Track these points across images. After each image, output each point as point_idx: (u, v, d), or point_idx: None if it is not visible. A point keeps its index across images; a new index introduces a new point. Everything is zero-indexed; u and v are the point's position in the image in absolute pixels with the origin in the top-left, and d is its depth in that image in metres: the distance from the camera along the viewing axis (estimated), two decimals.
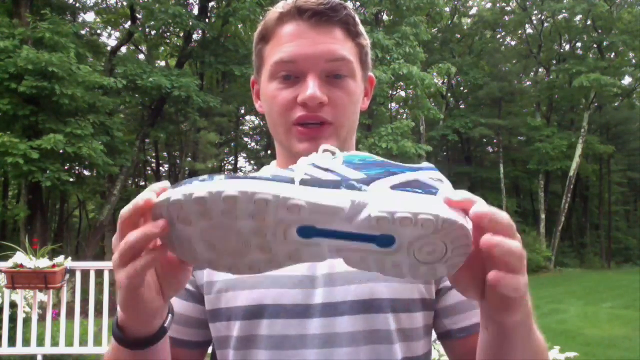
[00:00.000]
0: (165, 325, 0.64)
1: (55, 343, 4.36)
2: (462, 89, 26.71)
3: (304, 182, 0.52)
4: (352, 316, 0.77)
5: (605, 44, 22.30)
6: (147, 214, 0.53)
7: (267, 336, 0.77)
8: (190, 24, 13.38)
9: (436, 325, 0.86)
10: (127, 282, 0.54)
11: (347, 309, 0.78)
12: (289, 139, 0.80)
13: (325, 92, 0.76)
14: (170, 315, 0.66)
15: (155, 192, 0.52)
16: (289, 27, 0.78)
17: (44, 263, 4.05)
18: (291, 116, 0.78)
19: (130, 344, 0.62)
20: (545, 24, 23.66)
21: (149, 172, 24.88)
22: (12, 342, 4.28)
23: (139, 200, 0.52)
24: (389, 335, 0.78)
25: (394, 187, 0.53)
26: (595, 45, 23.02)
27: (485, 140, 25.79)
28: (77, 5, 16.04)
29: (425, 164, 0.58)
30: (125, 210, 0.53)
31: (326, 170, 0.55)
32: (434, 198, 0.52)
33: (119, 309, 0.60)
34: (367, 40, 0.84)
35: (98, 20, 18.69)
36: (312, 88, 0.75)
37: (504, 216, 0.52)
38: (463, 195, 0.51)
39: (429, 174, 0.56)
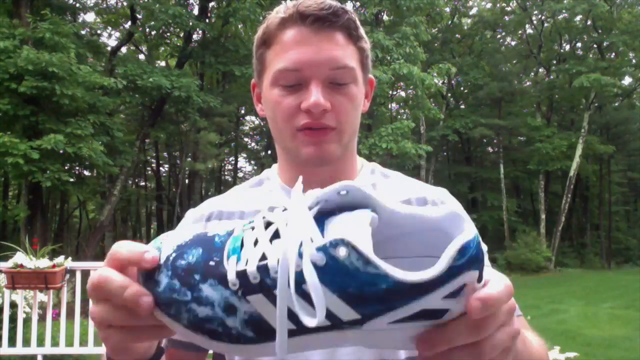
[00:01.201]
0: (162, 345, 0.62)
1: (55, 343, 4.36)
2: (462, 89, 26.71)
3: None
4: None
5: (605, 44, 22.31)
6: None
7: None
8: (190, 24, 13.38)
9: None
10: (115, 346, 0.52)
11: None
12: (294, 145, 0.80)
13: (328, 99, 0.77)
14: None
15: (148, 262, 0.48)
16: (291, 32, 0.78)
17: (44, 263, 4.05)
18: (295, 122, 0.78)
19: None
20: (545, 24, 23.67)
21: (149, 172, 24.89)
22: (12, 342, 4.28)
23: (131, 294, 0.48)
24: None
25: (392, 323, 0.43)
26: (595, 45, 23.03)
27: (485, 140, 25.80)
28: (77, 5, 16.04)
29: (451, 254, 0.41)
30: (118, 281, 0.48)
31: (305, 297, 0.42)
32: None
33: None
34: (367, 43, 0.84)
35: (98, 20, 18.72)
36: (315, 95, 0.75)
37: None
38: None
39: (447, 289, 0.41)
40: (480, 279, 0.43)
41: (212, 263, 0.46)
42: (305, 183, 0.83)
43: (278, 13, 0.79)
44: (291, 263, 0.42)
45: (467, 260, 0.41)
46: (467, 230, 0.43)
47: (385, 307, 0.42)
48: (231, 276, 0.45)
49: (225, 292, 0.45)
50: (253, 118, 22.91)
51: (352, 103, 0.80)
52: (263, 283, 0.44)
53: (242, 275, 0.44)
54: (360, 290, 0.41)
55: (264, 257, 0.44)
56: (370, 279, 0.41)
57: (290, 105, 0.78)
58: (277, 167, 0.92)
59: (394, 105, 19.75)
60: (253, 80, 0.90)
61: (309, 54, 0.76)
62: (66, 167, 11.27)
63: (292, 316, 0.43)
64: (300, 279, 0.41)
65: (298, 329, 0.44)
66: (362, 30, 0.82)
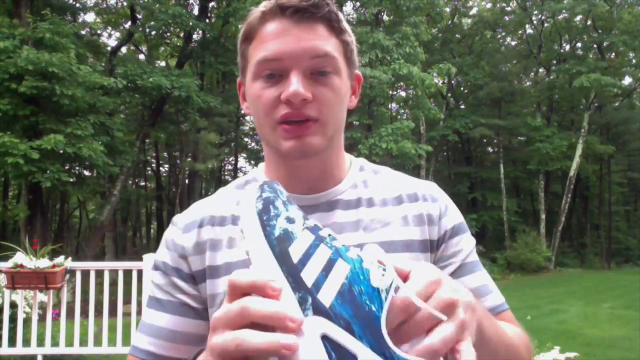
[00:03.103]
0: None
1: (55, 343, 4.36)
2: (462, 89, 26.71)
3: None
4: None
5: (605, 44, 22.31)
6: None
7: None
8: (190, 24, 13.39)
9: None
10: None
11: None
12: (275, 138, 0.79)
13: (309, 89, 0.75)
14: None
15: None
16: (271, 25, 0.77)
17: (44, 263, 4.05)
18: (276, 114, 0.77)
19: None
20: (545, 24, 23.66)
21: (149, 172, 24.90)
22: (12, 342, 4.28)
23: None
24: None
25: (325, 338, 0.46)
26: (595, 45, 23.03)
27: (485, 140, 25.80)
28: (77, 5, 16.04)
29: None
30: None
31: (329, 265, 0.50)
32: None
33: None
34: (351, 37, 0.82)
35: (98, 20, 18.73)
36: (294, 84, 0.74)
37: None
38: None
39: None
40: None
41: (307, 217, 0.57)
42: (292, 179, 0.84)
43: (260, 8, 0.79)
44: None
45: None
46: None
47: (348, 322, 0.46)
48: (311, 222, 0.55)
49: (300, 218, 0.54)
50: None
51: (335, 94, 0.78)
52: (323, 238, 0.52)
53: (317, 227, 0.54)
54: (360, 294, 0.47)
55: None
56: (373, 296, 0.47)
57: (270, 97, 0.77)
58: (264, 166, 0.91)
59: (394, 105, 19.75)
60: (238, 79, 0.89)
61: (288, 44, 0.75)
62: (66, 167, 11.27)
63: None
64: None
65: (294, 265, 0.49)
66: (345, 24, 0.81)
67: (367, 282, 0.48)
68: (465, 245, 0.87)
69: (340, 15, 0.80)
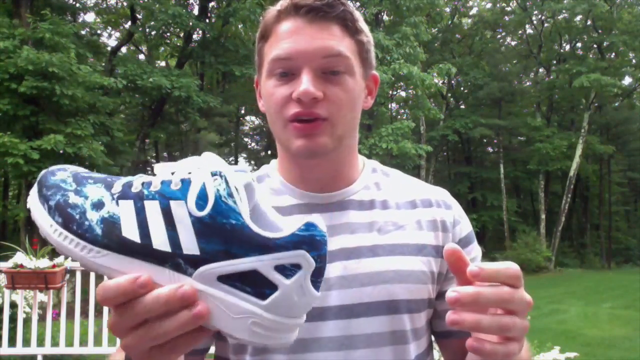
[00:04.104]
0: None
1: (55, 343, 4.36)
2: (462, 89, 26.71)
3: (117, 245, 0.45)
4: (369, 317, 0.78)
5: (605, 44, 22.30)
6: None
7: None
8: (190, 24, 13.39)
9: (435, 324, 0.87)
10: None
11: (364, 310, 0.78)
12: (286, 136, 0.79)
13: (320, 88, 0.75)
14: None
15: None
16: (286, 24, 0.78)
17: (44, 263, 4.04)
18: (287, 112, 0.77)
19: None
20: (545, 24, 23.66)
21: (149, 172, 24.87)
22: (12, 342, 4.28)
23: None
24: (405, 335, 0.79)
25: (222, 279, 0.44)
26: (595, 45, 23.02)
27: (485, 140, 25.79)
28: (77, 5, 16.04)
29: (296, 226, 0.45)
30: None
31: (166, 216, 0.45)
32: (249, 313, 0.44)
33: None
34: (368, 37, 0.82)
35: (98, 20, 18.69)
36: (305, 83, 0.74)
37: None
38: None
39: (281, 258, 0.44)
40: (317, 276, 0.46)
41: (109, 179, 0.50)
42: (304, 177, 0.84)
43: (275, 7, 0.80)
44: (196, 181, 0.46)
45: (309, 236, 0.45)
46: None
47: (224, 250, 0.44)
48: (117, 185, 0.48)
49: (105, 192, 0.48)
50: (253, 118, 22.92)
51: (347, 94, 0.78)
52: (141, 193, 0.47)
53: (126, 184, 0.48)
54: (213, 218, 0.44)
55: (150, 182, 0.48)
56: (225, 210, 0.44)
57: (282, 95, 0.77)
58: (277, 163, 0.91)
59: (394, 105, 19.75)
60: (256, 77, 0.89)
61: (301, 43, 0.76)
62: None
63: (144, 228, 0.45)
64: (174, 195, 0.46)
65: (142, 245, 0.45)
66: (361, 24, 0.81)
67: (212, 200, 0.45)
68: (477, 253, 0.89)
69: (357, 15, 0.80)
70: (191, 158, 0.49)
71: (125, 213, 0.46)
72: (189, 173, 0.46)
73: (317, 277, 0.46)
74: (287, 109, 0.77)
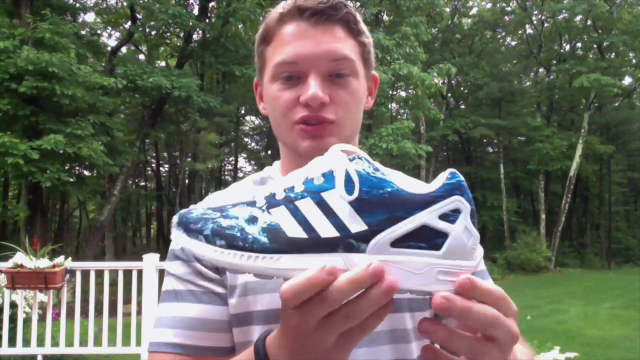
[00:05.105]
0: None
1: (55, 343, 4.36)
2: (462, 89, 26.71)
3: (293, 245, 0.48)
4: None
5: (605, 44, 22.30)
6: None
7: None
8: (190, 24, 13.38)
9: None
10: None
11: None
12: (292, 138, 0.79)
13: (327, 92, 0.76)
14: None
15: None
16: (290, 27, 0.78)
17: (44, 263, 4.05)
18: (293, 116, 0.77)
19: None
20: (545, 24, 23.66)
21: (149, 172, 24.89)
22: (12, 342, 4.28)
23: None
24: (407, 334, 0.79)
25: (395, 244, 0.48)
26: (595, 45, 23.02)
27: (485, 140, 25.78)
28: (77, 5, 16.04)
29: (444, 177, 0.50)
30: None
31: (322, 206, 0.49)
32: (431, 265, 0.48)
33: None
34: (369, 38, 0.83)
35: (98, 20, 18.69)
36: (313, 88, 0.74)
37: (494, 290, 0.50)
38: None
39: (442, 207, 0.49)
40: (473, 217, 0.50)
41: (244, 200, 0.53)
42: None
43: (277, 10, 0.80)
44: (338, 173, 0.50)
45: (458, 183, 0.49)
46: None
47: (388, 217, 0.48)
48: (259, 199, 0.52)
49: (251, 208, 0.51)
50: (253, 118, 22.90)
51: (352, 96, 0.79)
52: (287, 197, 0.51)
53: (269, 197, 0.52)
54: (369, 193, 0.48)
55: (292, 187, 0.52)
56: (378, 182, 0.49)
57: (288, 99, 0.77)
58: (279, 165, 0.91)
59: (394, 105, 19.74)
60: (255, 79, 0.89)
61: (307, 47, 0.76)
62: (66, 167, 11.26)
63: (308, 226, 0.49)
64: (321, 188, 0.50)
65: (310, 238, 0.48)
66: (362, 25, 0.81)
67: (360, 179, 0.49)
68: (479, 254, 0.88)
69: (358, 16, 0.81)
70: (317, 158, 0.53)
71: (282, 217, 0.50)
72: (328, 168, 0.51)
73: (473, 218, 0.50)
74: (293, 112, 0.77)
